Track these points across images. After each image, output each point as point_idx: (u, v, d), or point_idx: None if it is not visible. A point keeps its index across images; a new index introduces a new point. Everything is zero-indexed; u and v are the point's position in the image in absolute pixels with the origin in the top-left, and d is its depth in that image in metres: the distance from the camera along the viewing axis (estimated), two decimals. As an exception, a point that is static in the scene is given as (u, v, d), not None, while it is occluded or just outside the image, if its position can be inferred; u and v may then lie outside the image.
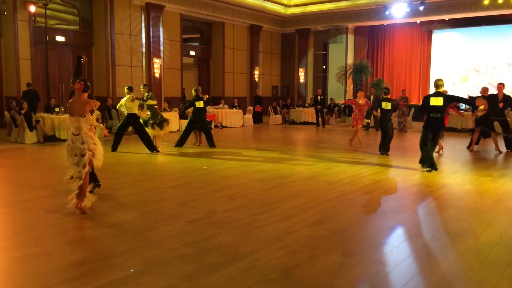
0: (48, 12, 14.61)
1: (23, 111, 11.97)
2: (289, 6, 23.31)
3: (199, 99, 11.54)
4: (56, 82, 16.10)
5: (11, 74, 14.80)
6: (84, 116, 5.43)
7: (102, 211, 5.70)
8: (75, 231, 4.81)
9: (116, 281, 3.52)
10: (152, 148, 10.59)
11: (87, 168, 5.40)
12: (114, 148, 10.54)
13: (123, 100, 10.38)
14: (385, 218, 5.46)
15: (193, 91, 11.73)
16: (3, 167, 8.71)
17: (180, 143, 11.61)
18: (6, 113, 12.90)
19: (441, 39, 22.94)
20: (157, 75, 18.19)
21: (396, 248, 4.35)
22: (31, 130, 12.03)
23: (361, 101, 11.81)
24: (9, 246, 4.32)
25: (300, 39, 24.46)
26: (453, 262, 4.01)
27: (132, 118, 10.40)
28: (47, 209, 5.68)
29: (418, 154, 10.49)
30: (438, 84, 8.47)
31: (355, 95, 10.82)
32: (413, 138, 14.61)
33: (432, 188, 7.16)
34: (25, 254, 4.08)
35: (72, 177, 5.53)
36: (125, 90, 10.52)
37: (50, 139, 12.31)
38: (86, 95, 5.59)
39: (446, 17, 20.52)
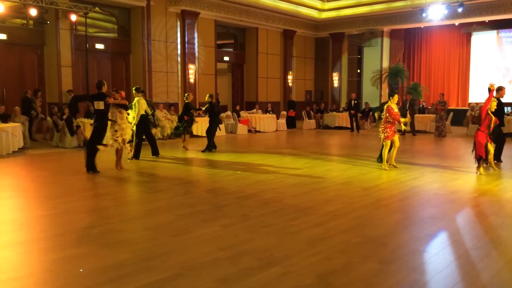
0: (88, 20, 15.09)
1: (64, 117, 12.43)
2: (323, 10, 23.19)
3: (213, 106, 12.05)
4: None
5: (53, 81, 15.36)
6: None
7: (139, 214, 5.84)
8: (114, 233, 4.93)
9: (153, 284, 3.59)
10: (157, 152, 10.78)
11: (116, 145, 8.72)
12: (137, 156, 10.34)
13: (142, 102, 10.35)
14: (423, 225, 5.33)
15: (207, 97, 11.98)
16: (46, 170, 9.04)
17: (210, 147, 11.78)
18: (48, 118, 13.41)
19: (481, 41, 22.25)
20: (191, 80, 18.45)
21: (435, 256, 4.24)
22: (71, 135, 12.45)
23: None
24: (50, 247, 4.48)
25: (334, 43, 24.27)
26: (495, 272, 3.87)
27: (142, 120, 10.29)
28: (87, 211, 5.86)
29: (458, 159, 10.20)
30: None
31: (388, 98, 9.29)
32: (452, 143, 14.22)
33: (473, 195, 6.94)
34: (66, 255, 4.22)
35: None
36: (133, 91, 10.41)
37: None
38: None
39: (486, 18, 19.87)
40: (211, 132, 11.88)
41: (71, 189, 7.30)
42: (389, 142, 8.87)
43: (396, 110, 8.94)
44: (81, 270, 3.85)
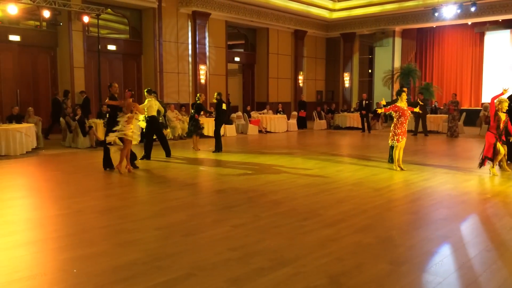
0: (100, 22, 15.23)
1: (77, 117, 12.55)
2: (334, 10, 23.13)
3: (222, 102, 11.98)
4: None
5: (66, 82, 15.52)
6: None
7: (150, 214, 5.87)
8: (126, 233, 4.96)
9: (164, 283, 3.61)
10: (169, 152, 10.74)
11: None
12: (147, 156, 10.30)
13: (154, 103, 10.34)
14: (435, 226, 5.29)
15: (216, 95, 11.91)
16: (58, 171, 9.14)
17: (218, 148, 11.77)
18: (61, 119, 13.55)
19: (494, 40, 21.99)
20: (202, 81, 18.51)
21: (447, 258, 4.20)
22: (84, 135, 12.57)
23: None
24: (63, 247, 4.52)
25: (345, 43, 24.18)
26: (508, 275, 3.83)
27: (153, 121, 10.30)
28: (99, 211, 5.91)
29: (470, 160, 10.10)
30: None
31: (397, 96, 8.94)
32: (464, 143, 14.08)
33: (485, 196, 6.87)
34: (79, 255, 4.26)
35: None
36: (145, 92, 10.50)
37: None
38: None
39: (499, 17, 19.65)
40: (216, 131, 11.90)
41: (84, 189, 7.37)
42: (399, 144, 8.78)
43: (405, 108, 8.70)
44: (74, 270, 3.89)
